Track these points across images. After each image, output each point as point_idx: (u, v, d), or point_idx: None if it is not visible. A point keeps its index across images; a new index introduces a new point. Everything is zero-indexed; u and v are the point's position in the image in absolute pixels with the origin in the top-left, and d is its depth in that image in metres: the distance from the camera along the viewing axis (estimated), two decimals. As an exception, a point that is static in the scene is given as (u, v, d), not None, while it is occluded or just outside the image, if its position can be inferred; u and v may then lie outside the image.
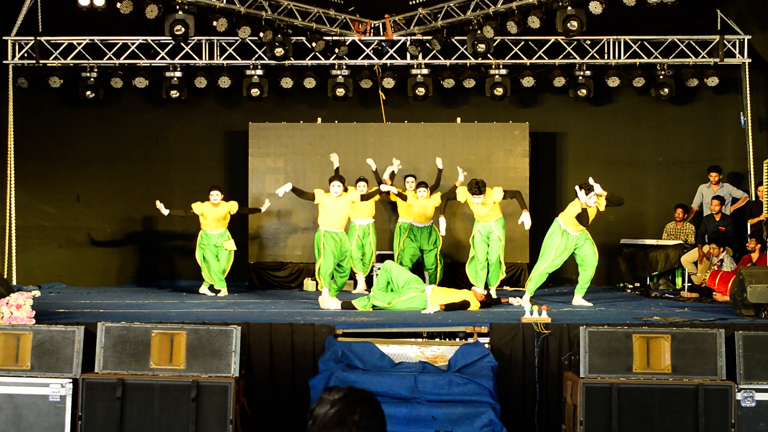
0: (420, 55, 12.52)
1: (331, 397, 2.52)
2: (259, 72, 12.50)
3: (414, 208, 10.83)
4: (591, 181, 9.14)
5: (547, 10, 11.48)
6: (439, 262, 10.94)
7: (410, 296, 8.69)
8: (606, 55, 12.56)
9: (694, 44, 12.52)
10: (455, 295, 8.71)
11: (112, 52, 12.50)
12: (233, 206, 10.85)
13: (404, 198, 10.78)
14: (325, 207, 9.43)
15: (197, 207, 10.73)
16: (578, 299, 9.40)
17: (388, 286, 8.96)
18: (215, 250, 10.75)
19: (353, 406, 2.50)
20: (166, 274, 13.02)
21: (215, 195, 10.68)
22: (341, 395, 2.52)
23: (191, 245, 13.02)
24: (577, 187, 9.28)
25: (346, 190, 9.54)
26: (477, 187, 9.40)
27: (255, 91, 12.45)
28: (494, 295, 9.69)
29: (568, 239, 9.26)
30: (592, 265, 9.31)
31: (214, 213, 10.71)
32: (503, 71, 12.49)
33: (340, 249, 9.44)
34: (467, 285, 9.75)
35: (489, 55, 12.32)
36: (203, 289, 10.88)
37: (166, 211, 10.90)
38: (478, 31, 11.91)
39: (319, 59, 12.61)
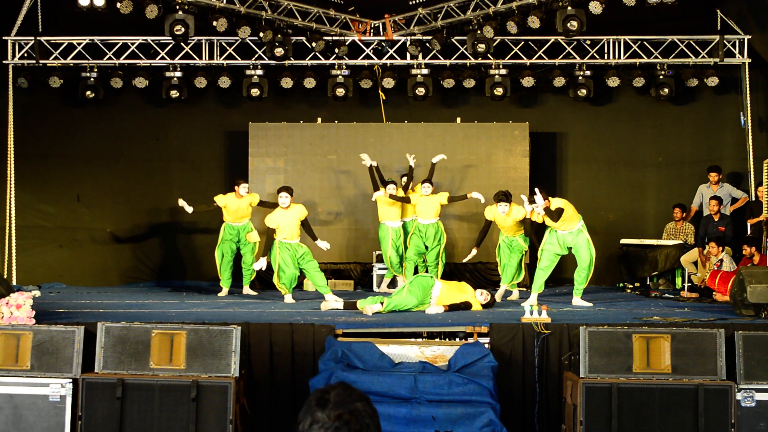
0: (420, 55, 12.52)
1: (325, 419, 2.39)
2: (259, 72, 12.50)
3: (419, 206, 10.83)
4: (537, 193, 9.07)
5: (547, 10, 11.48)
6: (441, 260, 10.94)
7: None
8: (606, 55, 12.56)
9: (694, 44, 12.52)
10: (460, 296, 8.69)
11: (112, 52, 12.51)
12: (255, 198, 10.73)
13: (407, 201, 10.87)
14: (278, 219, 9.89)
15: (220, 199, 10.64)
16: (577, 300, 9.39)
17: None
18: (235, 246, 10.74)
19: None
20: (168, 273, 13.02)
21: (244, 187, 10.59)
22: (334, 418, 2.41)
23: (193, 244, 13.09)
24: (523, 196, 9.40)
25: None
26: (504, 195, 9.84)
27: (255, 91, 12.45)
28: (498, 298, 9.77)
29: (558, 237, 9.27)
30: (584, 265, 9.24)
31: (236, 204, 10.59)
32: (503, 71, 12.49)
33: (295, 257, 9.92)
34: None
35: (489, 55, 12.33)
36: (246, 290, 10.91)
37: (190, 209, 10.71)
38: (478, 31, 11.91)
39: (319, 59, 12.61)
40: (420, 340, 7.05)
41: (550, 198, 9.15)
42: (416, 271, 10.91)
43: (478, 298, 8.72)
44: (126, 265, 13.03)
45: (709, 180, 12.15)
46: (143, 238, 13.08)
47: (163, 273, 13.00)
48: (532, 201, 9.13)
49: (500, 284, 10.50)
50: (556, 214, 9.03)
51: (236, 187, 10.64)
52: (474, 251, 10.47)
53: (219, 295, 10.71)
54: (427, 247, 10.97)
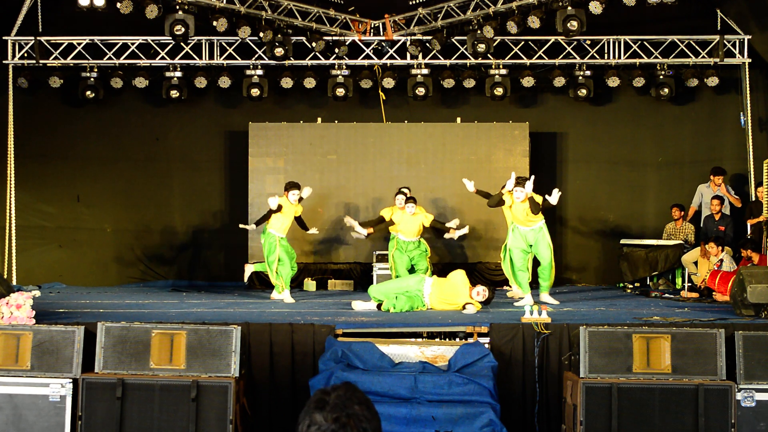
0: (420, 55, 12.52)
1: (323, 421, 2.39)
2: (259, 72, 12.50)
3: (401, 225, 10.63)
4: (531, 180, 9.00)
5: (547, 10, 11.48)
6: (430, 266, 10.88)
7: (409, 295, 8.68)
8: (606, 55, 12.56)
9: (694, 44, 12.52)
10: (455, 293, 8.67)
11: (112, 52, 12.51)
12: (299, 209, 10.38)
13: (391, 223, 10.70)
14: (284, 214, 9.98)
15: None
16: (545, 296, 9.39)
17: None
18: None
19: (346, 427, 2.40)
20: (169, 273, 13.02)
21: (295, 194, 10.12)
22: (333, 419, 2.40)
23: (193, 244, 13.10)
24: (513, 177, 9.14)
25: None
26: (523, 179, 9.28)
27: (255, 91, 12.45)
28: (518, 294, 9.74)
29: (521, 233, 9.25)
30: (546, 263, 9.22)
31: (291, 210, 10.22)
32: (503, 71, 12.49)
33: (287, 251, 10.16)
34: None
35: (489, 55, 12.33)
36: (276, 294, 10.40)
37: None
38: (478, 31, 11.91)
39: (319, 59, 12.61)
40: (420, 340, 7.05)
41: (533, 193, 9.12)
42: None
43: (474, 297, 8.63)
44: (126, 265, 13.03)
45: (713, 181, 12.08)
46: (143, 238, 13.08)
47: (163, 273, 13.00)
48: (518, 184, 9.03)
49: (509, 285, 10.42)
50: (537, 208, 9.03)
51: (286, 193, 10.11)
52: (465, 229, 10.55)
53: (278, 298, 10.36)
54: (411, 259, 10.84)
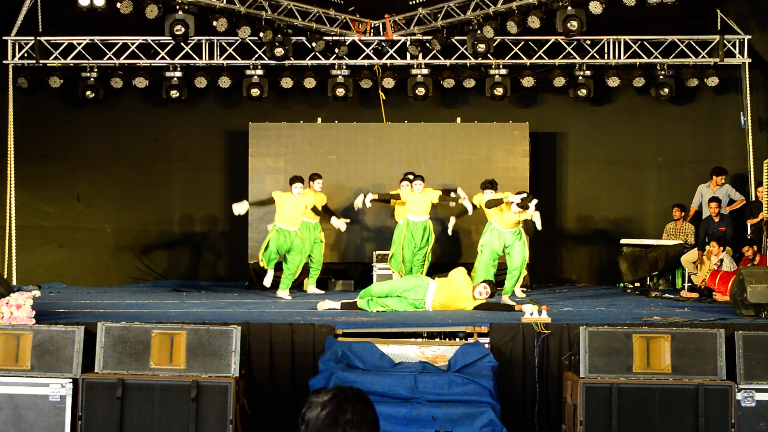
0: (420, 55, 12.52)
1: (321, 399, 2.51)
2: (259, 72, 12.50)
3: (409, 202, 10.69)
4: (533, 203, 9.02)
5: (547, 10, 11.49)
6: (427, 260, 10.87)
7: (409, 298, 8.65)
8: (606, 55, 12.56)
9: (694, 44, 12.52)
10: (457, 295, 8.66)
11: (112, 52, 12.51)
12: (310, 199, 10.52)
13: (397, 197, 10.82)
14: (284, 206, 10.13)
15: (278, 196, 10.30)
16: (504, 299, 9.43)
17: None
18: (284, 250, 10.35)
19: (344, 404, 2.49)
20: (169, 273, 13.02)
21: (298, 187, 10.27)
22: (330, 396, 2.51)
23: (193, 244, 13.11)
24: (521, 193, 9.18)
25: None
26: (489, 183, 9.64)
27: (255, 91, 12.45)
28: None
29: (499, 234, 9.30)
30: (516, 265, 9.31)
31: (293, 204, 10.33)
32: (503, 71, 12.50)
33: (285, 244, 10.20)
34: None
35: (489, 55, 12.33)
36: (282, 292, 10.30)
37: (243, 207, 10.26)
38: (478, 31, 11.91)
39: (319, 59, 12.61)
40: (420, 340, 7.05)
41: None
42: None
43: (477, 297, 8.62)
44: (126, 265, 13.03)
45: (713, 181, 12.05)
46: (143, 238, 13.08)
47: (163, 273, 13.00)
48: (523, 206, 9.04)
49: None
50: (533, 229, 9.19)
51: (290, 187, 10.31)
52: (453, 220, 10.45)
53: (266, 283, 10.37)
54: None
